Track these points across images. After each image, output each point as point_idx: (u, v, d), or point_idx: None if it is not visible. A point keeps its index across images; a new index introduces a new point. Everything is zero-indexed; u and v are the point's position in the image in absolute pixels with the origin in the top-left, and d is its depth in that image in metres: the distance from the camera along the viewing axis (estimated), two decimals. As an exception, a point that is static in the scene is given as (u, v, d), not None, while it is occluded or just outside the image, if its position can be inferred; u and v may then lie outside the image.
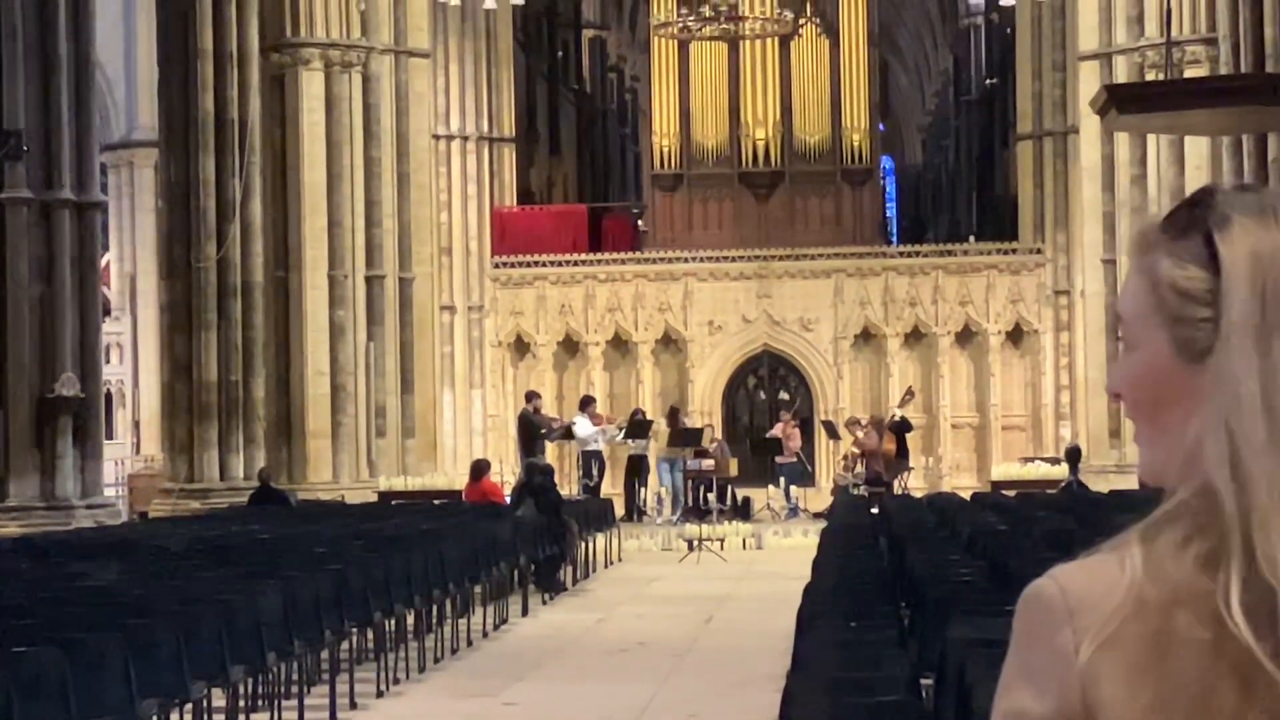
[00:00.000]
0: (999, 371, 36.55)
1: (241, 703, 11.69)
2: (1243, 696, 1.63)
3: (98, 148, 26.38)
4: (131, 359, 42.14)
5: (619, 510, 28.36)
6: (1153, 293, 1.76)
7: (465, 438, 37.49)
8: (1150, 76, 30.46)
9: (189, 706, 10.58)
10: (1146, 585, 1.67)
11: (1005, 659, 1.77)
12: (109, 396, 36.86)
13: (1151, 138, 31.05)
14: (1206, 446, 1.69)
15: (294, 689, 12.43)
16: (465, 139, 38.38)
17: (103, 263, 29.11)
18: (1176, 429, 1.74)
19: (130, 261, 42.76)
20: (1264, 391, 1.66)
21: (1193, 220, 1.76)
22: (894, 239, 51.61)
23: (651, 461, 31.85)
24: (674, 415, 32.36)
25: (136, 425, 41.84)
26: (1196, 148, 30.58)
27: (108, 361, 36.10)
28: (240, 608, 11.48)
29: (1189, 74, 29.30)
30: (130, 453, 40.80)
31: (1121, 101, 21.20)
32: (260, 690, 12.35)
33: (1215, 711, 1.64)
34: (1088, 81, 31.99)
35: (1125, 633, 1.66)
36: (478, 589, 18.11)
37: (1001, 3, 40.93)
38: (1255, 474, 1.66)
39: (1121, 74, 31.65)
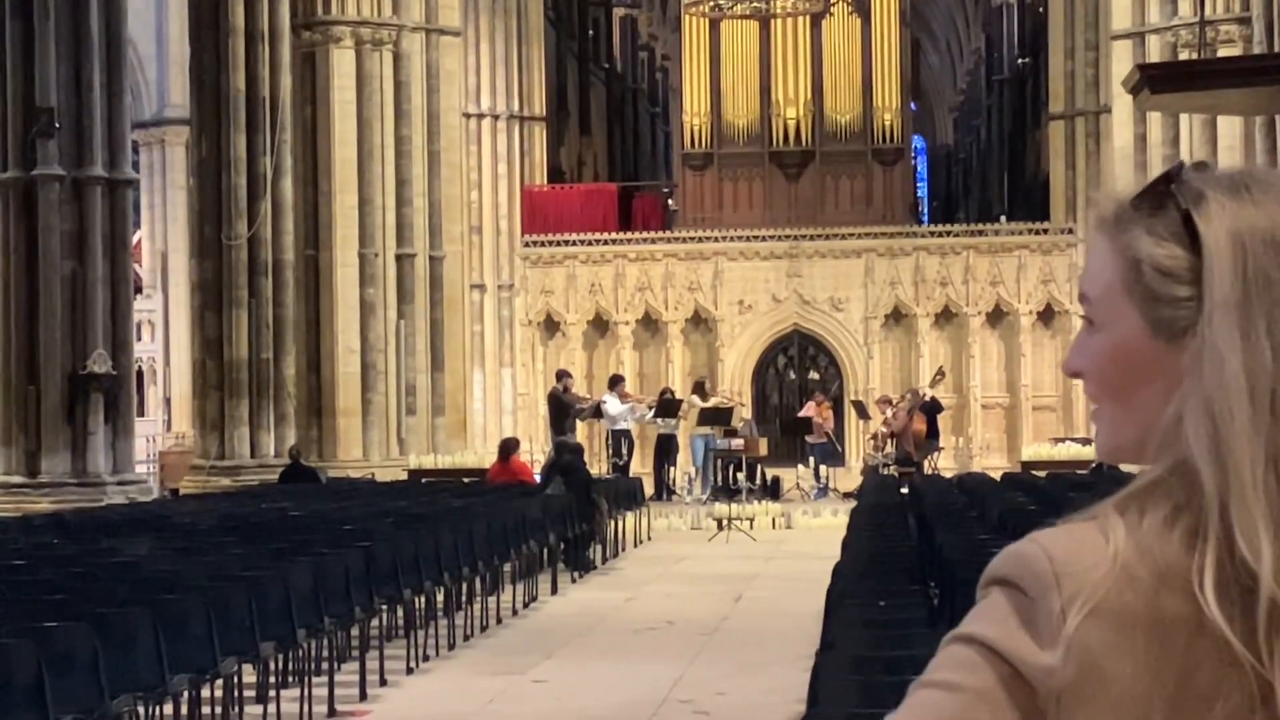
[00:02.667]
0: (1030, 352, 36.48)
1: (272, 679, 11.73)
2: (1221, 676, 1.63)
3: (129, 125, 26.43)
4: (163, 336, 42.28)
5: (648, 489, 28.38)
6: (1130, 271, 1.73)
7: (495, 416, 37.55)
8: (1183, 56, 30.34)
9: (219, 682, 10.62)
10: (1134, 559, 1.66)
11: (971, 619, 1.74)
12: (140, 374, 36.97)
13: (1184, 117, 30.92)
14: (1187, 425, 1.67)
15: (324, 665, 12.47)
16: (496, 117, 38.40)
17: (134, 240, 29.15)
18: (1148, 408, 1.72)
19: (161, 239, 42.89)
20: (1247, 371, 1.65)
21: (1166, 196, 1.74)
22: (925, 219, 51.50)
23: (681, 440, 31.86)
24: (699, 388, 32.28)
25: (167, 402, 41.99)
26: (1229, 127, 30.44)
27: (139, 339, 36.20)
28: (271, 584, 11.52)
29: (1222, 53, 29.17)
30: (161, 430, 40.94)
31: (1154, 81, 21.11)
32: (290, 666, 12.39)
33: (1196, 690, 1.63)
34: (1120, 61, 31.86)
35: (1112, 603, 1.65)
36: (507, 567, 18.14)
37: (1034, -18, 40.79)
38: (1238, 453, 1.64)
39: (1154, 53, 31.52)
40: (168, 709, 10.26)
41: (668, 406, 30.92)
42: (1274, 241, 1.68)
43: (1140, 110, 29.49)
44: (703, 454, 30.64)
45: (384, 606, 13.83)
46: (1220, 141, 30.94)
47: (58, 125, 24.25)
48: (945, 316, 36.88)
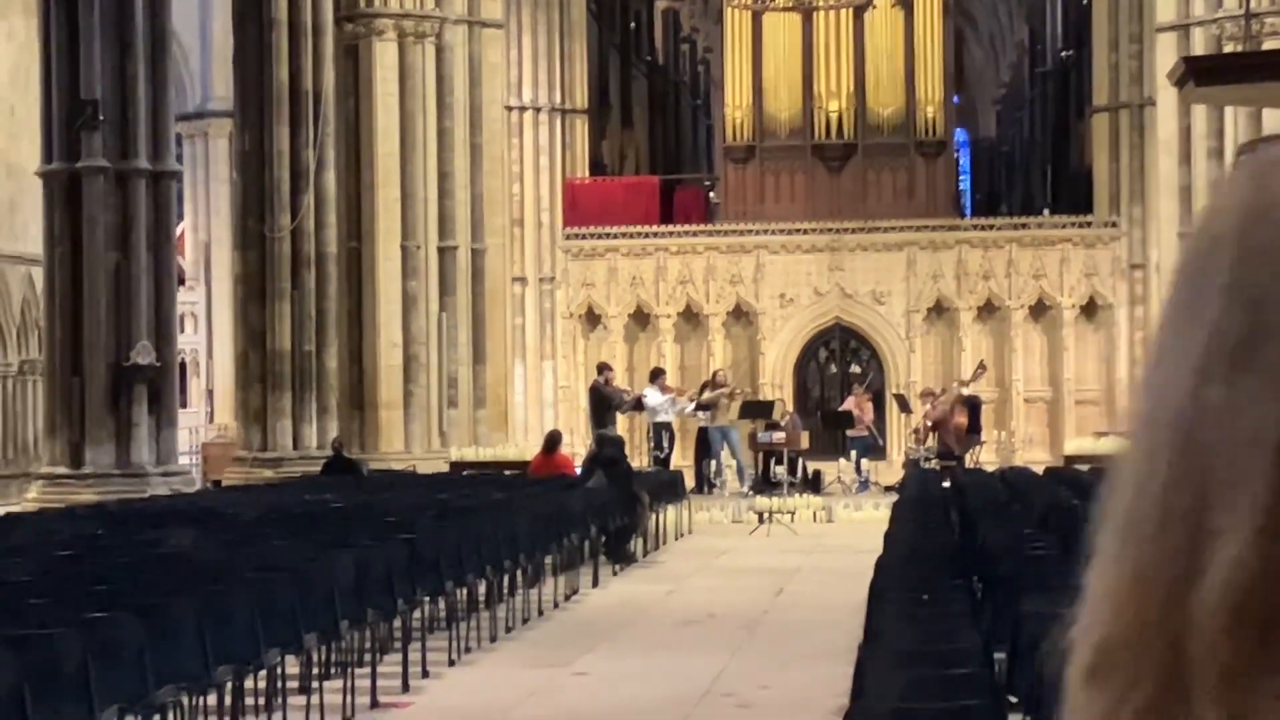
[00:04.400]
0: (1073, 345, 36.36)
1: (315, 670, 11.78)
2: None
3: (173, 118, 26.55)
4: (205, 328, 42.44)
5: (689, 482, 28.36)
6: None
7: (536, 409, 37.59)
8: (1229, 48, 30.21)
9: (263, 673, 10.66)
10: None
11: None
12: (183, 366, 37.09)
13: (1229, 110, 30.80)
14: None
15: (367, 657, 12.50)
16: (538, 110, 38.42)
17: (177, 232, 29.28)
18: None
19: (204, 231, 43.03)
20: None
21: None
22: (967, 212, 51.31)
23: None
24: (714, 381, 32.01)
25: (210, 394, 42.14)
26: (1275, 119, 30.29)
27: (182, 331, 36.34)
28: (314, 576, 11.56)
29: (1268, 46, 29.04)
30: (204, 421, 41.10)
31: (1199, 73, 21.03)
32: (333, 658, 12.43)
33: None
34: (1165, 53, 31.74)
35: None
36: (549, 559, 18.16)
37: (1078, -26, 40.65)
38: None
39: (1199, 45, 31.39)
40: (211, 699, 10.31)
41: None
42: None
43: (1185, 103, 29.37)
44: (720, 444, 30.50)
45: (426, 598, 13.86)
46: (1265, 134, 30.81)
47: (102, 118, 24.36)
48: (987, 310, 36.78)
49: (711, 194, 41.80)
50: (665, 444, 30.26)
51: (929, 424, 31.35)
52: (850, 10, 39.51)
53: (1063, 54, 44.92)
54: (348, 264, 30.77)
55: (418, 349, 31.54)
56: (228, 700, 10.35)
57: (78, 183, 24.52)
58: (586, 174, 39.50)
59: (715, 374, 32.79)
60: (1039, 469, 26.21)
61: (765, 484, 29.33)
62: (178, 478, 25.42)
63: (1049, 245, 36.61)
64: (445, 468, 29.68)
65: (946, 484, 23.34)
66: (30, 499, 24.59)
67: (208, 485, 29.65)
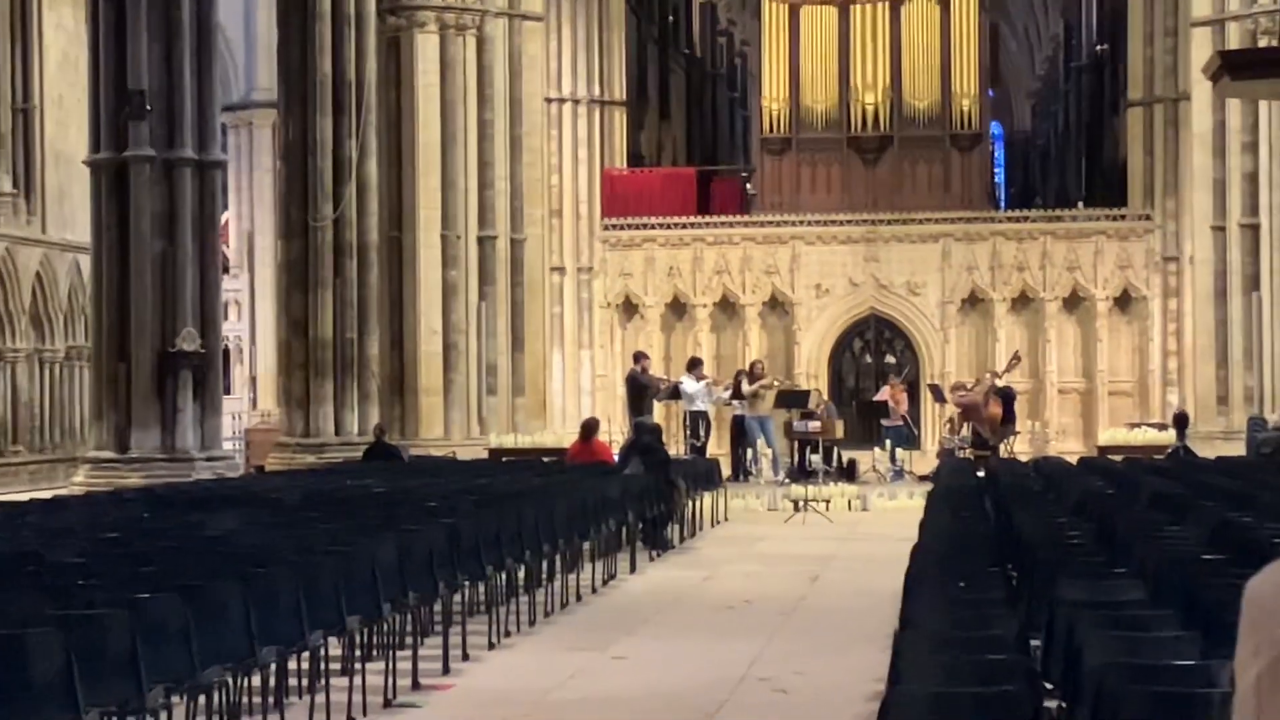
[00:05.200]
0: (1106, 337, 36.28)
1: (357, 651, 11.80)
2: None
3: (218, 108, 26.59)
4: (249, 316, 42.55)
5: (725, 470, 28.34)
6: None
7: (574, 397, 37.63)
8: (1263, 43, 30.08)
9: (306, 654, 10.69)
10: None
11: None
12: (227, 353, 37.21)
13: (1264, 104, 30.66)
14: None
15: (408, 639, 12.53)
16: (577, 102, 38.44)
17: (222, 221, 29.34)
18: None
19: (249, 220, 43.15)
20: None
21: None
22: (1002, 204, 51.19)
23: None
24: (752, 371, 32.05)
25: (253, 380, 42.26)
26: (1309, 114, 30.17)
27: (226, 318, 36.45)
28: (357, 559, 11.57)
29: (1302, 41, 28.89)
30: (247, 407, 41.22)
31: (1234, 68, 20.95)
32: (375, 640, 12.46)
33: None
34: (1200, 48, 31.60)
35: None
36: (587, 545, 18.16)
37: (1113, -32, 40.50)
38: None
39: (1234, 40, 31.25)
40: (256, 680, 10.34)
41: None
42: None
43: (1220, 97, 29.25)
44: (758, 433, 30.49)
45: (466, 582, 13.87)
46: (1299, 129, 30.70)
47: (149, 108, 24.43)
48: (1021, 301, 36.71)
49: (748, 185, 41.78)
50: (702, 432, 30.25)
51: (960, 410, 31.29)
52: (887, 4, 39.45)
53: (1098, 48, 44.76)
54: (389, 253, 30.82)
55: (457, 337, 31.60)
56: (272, 680, 10.38)
57: (125, 172, 24.60)
58: (624, 165, 39.50)
59: (754, 364, 32.77)
60: (1073, 459, 26.12)
61: (801, 472, 29.30)
62: (221, 462, 25.50)
63: (1083, 238, 36.52)
64: (484, 454, 29.72)
65: (981, 474, 23.28)
66: (77, 483, 24.70)
67: (251, 470, 29.73)
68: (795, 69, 39.87)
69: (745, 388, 30.97)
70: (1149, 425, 32.54)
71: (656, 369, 33.25)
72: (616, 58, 39.24)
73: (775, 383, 31.88)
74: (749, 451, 30.63)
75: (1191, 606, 8.69)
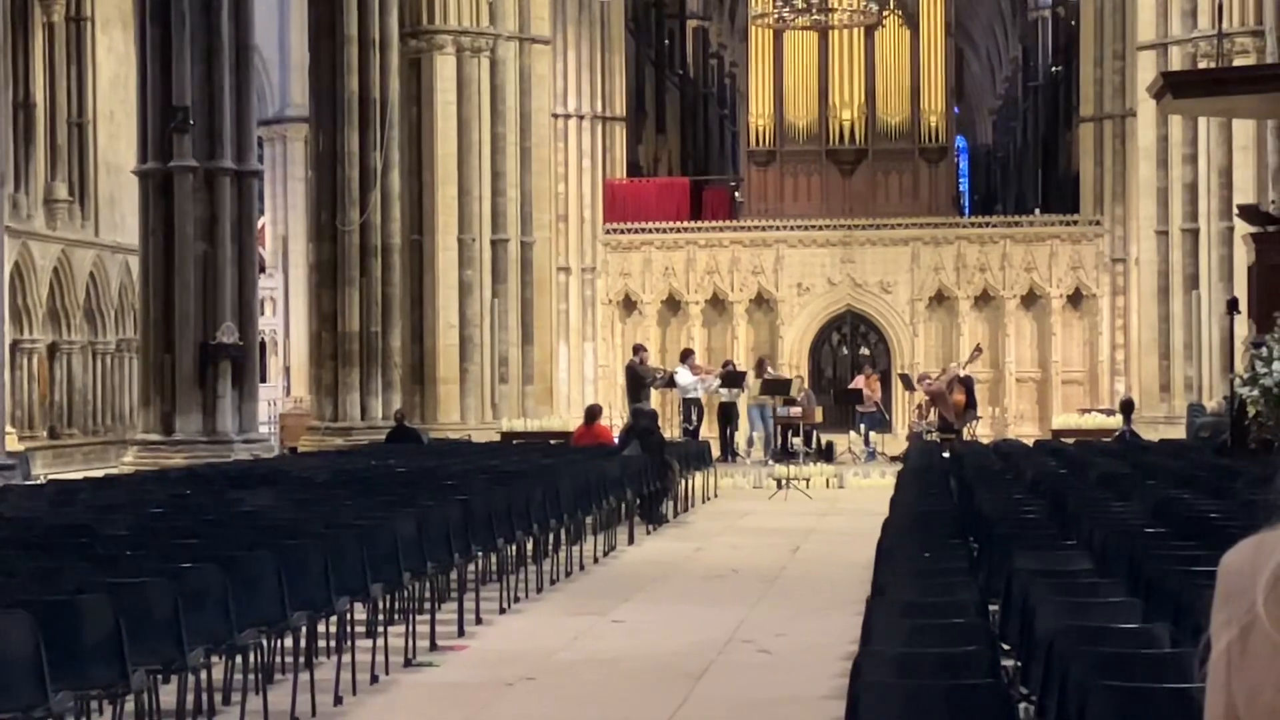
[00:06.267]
0: (1060, 331, 36.28)
1: (380, 616, 11.80)
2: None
3: (255, 122, 26.53)
4: (283, 311, 42.49)
5: (715, 452, 28.34)
6: None
7: (578, 385, 37.61)
8: (1203, 64, 30.04)
9: (334, 619, 10.69)
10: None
11: None
12: (263, 344, 37.12)
13: (1203, 120, 30.65)
14: None
15: (427, 605, 12.53)
16: (581, 118, 38.40)
17: (259, 225, 29.32)
18: None
19: (282, 225, 43.08)
20: None
21: None
22: (966, 211, 51.18)
23: (742, 409, 31.85)
24: (760, 365, 32.33)
25: (287, 370, 42.22)
26: (1244, 129, 30.16)
27: (262, 313, 36.37)
28: (380, 532, 11.57)
29: (1238, 62, 28.87)
30: (281, 394, 41.18)
31: (1176, 87, 20.94)
32: (396, 605, 12.46)
33: (1264, 707, 1.67)
34: (1145, 69, 31.60)
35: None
36: (589, 519, 18.17)
37: (1067, -3, 40.45)
38: None
39: (1176, 62, 31.23)
40: (288, 642, 10.34)
41: (732, 378, 30.87)
42: None
43: (1163, 114, 29.23)
44: (760, 421, 30.61)
45: (479, 553, 13.88)
46: (1235, 143, 30.68)
47: (192, 122, 24.40)
48: (983, 299, 36.70)
49: (736, 193, 41.77)
50: (694, 417, 30.26)
51: (927, 398, 31.29)
52: (862, 30, 39.42)
53: (1052, 69, 44.78)
54: (410, 254, 30.81)
55: (472, 331, 31.59)
56: (302, 642, 10.38)
57: (170, 180, 24.56)
58: (624, 175, 39.48)
59: (761, 360, 32.86)
60: (1029, 442, 26.14)
61: (783, 454, 29.32)
62: (258, 444, 25.48)
63: (1039, 241, 36.50)
64: (497, 437, 29.72)
65: (946, 455, 23.30)
66: (126, 463, 24.68)
67: (284, 451, 29.69)
68: (779, 88, 39.85)
69: (751, 379, 31.08)
70: (1098, 411, 32.56)
71: (653, 359, 33.26)
72: (617, 77, 39.21)
73: (795, 376, 32.11)
74: (753, 434, 30.77)
75: (1135, 576, 8.69)
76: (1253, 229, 20.63)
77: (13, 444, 26.13)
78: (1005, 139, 58.46)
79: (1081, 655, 6.18)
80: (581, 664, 11.54)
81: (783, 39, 39.88)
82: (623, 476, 19.72)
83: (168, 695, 9.00)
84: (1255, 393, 17.40)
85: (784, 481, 26.24)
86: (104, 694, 8.21)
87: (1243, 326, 20.61)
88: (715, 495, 25.62)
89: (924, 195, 39.84)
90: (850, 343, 38.17)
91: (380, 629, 11.43)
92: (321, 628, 10.77)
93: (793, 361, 36.17)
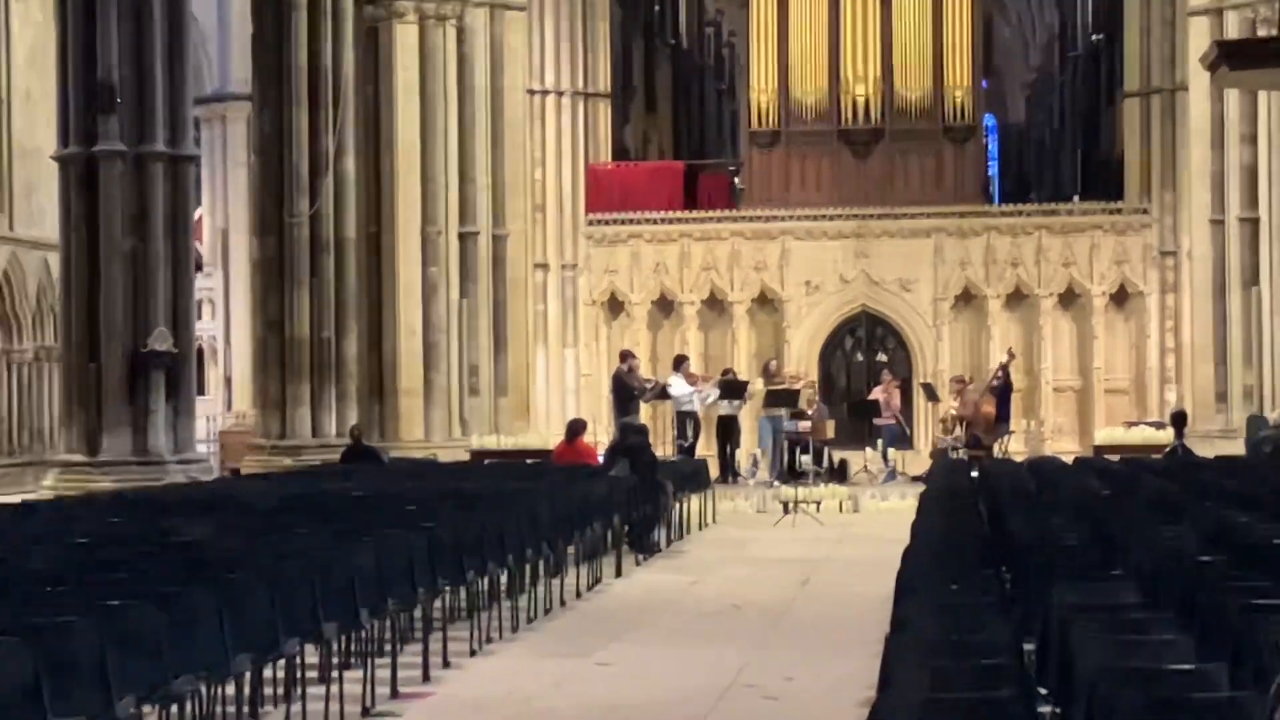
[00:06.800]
0: (1103, 334, 36.32)
1: (335, 659, 11.79)
2: None
3: (191, 101, 26.50)
4: (223, 315, 42.48)
5: (713, 471, 28.34)
6: None
7: (558, 397, 37.60)
8: (1262, 32, 30.10)
9: (282, 662, 10.67)
10: None
11: None
12: (200, 353, 37.15)
13: (1263, 95, 30.70)
14: None
15: (387, 647, 12.52)
16: (560, 94, 38.40)
17: (195, 217, 29.28)
18: None
19: (222, 216, 43.07)
20: None
21: None
22: (996, 199, 51.21)
23: (745, 422, 31.85)
24: (767, 370, 32.34)
25: (228, 382, 42.19)
26: (1309, 105, 30.23)
27: (199, 317, 36.37)
28: (334, 565, 11.56)
29: (1303, 29, 28.94)
30: (221, 409, 41.16)
31: (1232, 57, 20.98)
32: (353, 647, 12.45)
33: None
34: (1197, 37, 31.64)
35: None
36: (571, 549, 18.16)
37: (1109, -44, 40.53)
38: None
39: (1233, 29, 31.28)
40: (230, 689, 10.32)
41: (732, 387, 30.88)
42: None
43: (1217, 87, 29.29)
44: (770, 436, 30.60)
45: (447, 588, 13.87)
46: (1299, 119, 30.76)
47: (119, 101, 24.37)
48: (1016, 298, 36.73)
49: (736, 179, 41.75)
50: (689, 433, 30.26)
51: (959, 415, 31.30)
52: (878, -8, 39.41)
53: (1094, 38, 44.82)
54: (367, 250, 30.78)
55: (438, 336, 31.57)
56: (246, 690, 10.36)
57: (94, 167, 24.53)
58: (609, 159, 39.47)
59: (768, 364, 32.88)
60: (1068, 459, 26.16)
61: (791, 473, 29.32)
62: (195, 465, 25.45)
63: (1079, 232, 36.55)
64: (466, 456, 29.71)
65: (974, 474, 23.31)
66: (46, 487, 24.64)
67: (225, 473, 29.69)
68: (784, 60, 39.86)
69: (756, 386, 31.11)
70: (1146, 424, 32.57)
71: (643, 368, 33.24)
72: (601, 49, 39.21)
73: (807, 383, 32.12)
74: (761, 453, 30.79)
75: (1189, 609, 8.70)
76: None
77: (-83, 466, 26.10)
78: (1040, 117, 58.50)
79: (1128, 700, 6.19)
80: (563, 712, 11.54)
81: (788, 4, 39.89)
82: (609, 500, 19.72)
83: (94, 751, 8.98)
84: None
85: (791, 505, 26.24)
86: (20, 750, 8.19)
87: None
88: (714, 521, 25.63)
89: (948, 181, 39.85)
90: (866, 348, 38.18)
91: (335, 674, 11.42)
92: (268, 673, 10.76)
93: (801, 369, 36.15)
